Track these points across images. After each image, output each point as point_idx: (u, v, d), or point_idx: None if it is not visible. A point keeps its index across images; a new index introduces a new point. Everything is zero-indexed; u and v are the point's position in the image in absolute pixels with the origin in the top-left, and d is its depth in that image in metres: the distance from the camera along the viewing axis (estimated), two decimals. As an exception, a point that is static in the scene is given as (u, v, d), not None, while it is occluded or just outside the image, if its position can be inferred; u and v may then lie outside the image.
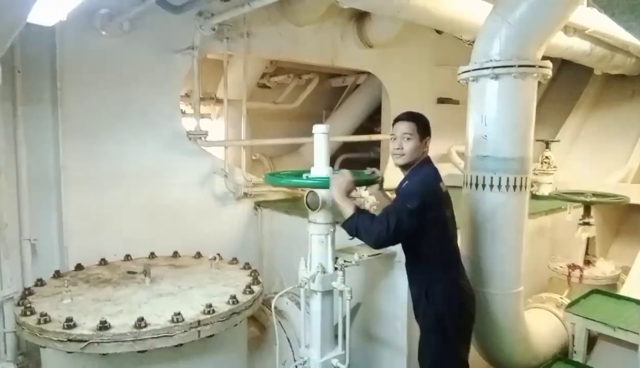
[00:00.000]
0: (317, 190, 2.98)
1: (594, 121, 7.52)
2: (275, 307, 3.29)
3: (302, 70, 7.62)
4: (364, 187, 4.41)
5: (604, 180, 6.39)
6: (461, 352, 2.99)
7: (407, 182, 2.91)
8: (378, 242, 2.81)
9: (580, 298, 4.18)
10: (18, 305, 3.00)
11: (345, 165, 7.58)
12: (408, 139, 2.89)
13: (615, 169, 6.65)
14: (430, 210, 2.74)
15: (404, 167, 2.98)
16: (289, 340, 3.73)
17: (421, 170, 2.90)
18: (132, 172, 4.36)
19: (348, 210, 2.80)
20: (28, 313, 2.82)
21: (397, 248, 3.52)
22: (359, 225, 2.76)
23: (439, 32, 6.27)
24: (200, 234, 4.62)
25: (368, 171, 3.30)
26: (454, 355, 2.96)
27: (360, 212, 2.80)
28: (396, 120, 2.99)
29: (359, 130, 7.91)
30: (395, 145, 2.93)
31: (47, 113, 3.98)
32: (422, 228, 2.77)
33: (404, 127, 2.91)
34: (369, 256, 3.39)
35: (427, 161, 2.96)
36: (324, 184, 2.98)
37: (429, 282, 2.91)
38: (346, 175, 2.88)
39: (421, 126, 2.93)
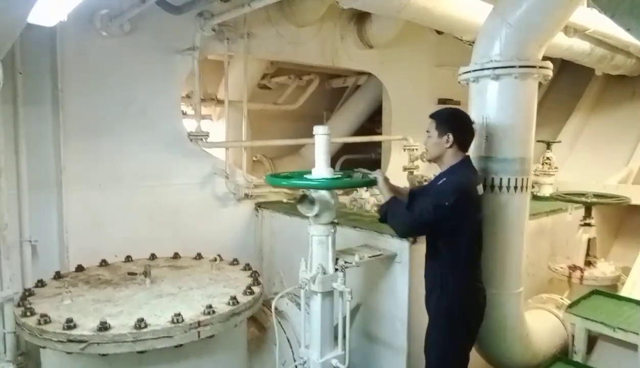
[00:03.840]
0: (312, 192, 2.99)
1: (595, 122, 7.51)
2: (276, 308, 3.30)
3: (302, 71, 7.62)
4: (365, 189, 4.42)
5: (605, 181, 6.38)
6: (466, 349, 3.12)
7: (444, 179, 2.97)
8: (403, 230, 3.08)
9: (581, 299, 4.18)
10: (18, 305, 3.00)
11: (345, 166, 7.59)
12: (428, 136, 3.05)
13: (616, 169, 6.64)
14: (461, 210, 2.83)
15: (435, 162, 3.12)
16: (289, 340, 3.73)
17: (458, 171, 2.96)
18: (133, 173, 4.36)
19: (385, 197, 3.06)
20: (28, 314, 2.81)
21: (397, 249, 3.53)
22: (389, 211, 2.98)
23: (439, 32, 6.28)
24: (200, 235, 4.61)
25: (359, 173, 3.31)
26: (460, 350, 3.08)
27: (394, 200, 2.99)
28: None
29: (359, 131, 7.91)
30: (424, 142, 3.13)
31: (47, 114, 3.98)
32: (449, 226, 2.86)
33: (428, 125, 3.07)
34: (369, 257, 3.39)
35: (464, 163, 3.01)
36: (324, 185, 2.99)
37: (446, 276, 2.98)
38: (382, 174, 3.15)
39: (440, 122, 3.01)
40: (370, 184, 3.26)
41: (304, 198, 2.99)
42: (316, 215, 3.00)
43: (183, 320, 2.76)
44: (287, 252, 4.67)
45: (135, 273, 3.55)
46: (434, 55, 6.92)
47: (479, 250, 3.09)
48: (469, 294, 3.02)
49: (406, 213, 2.91)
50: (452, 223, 2.85)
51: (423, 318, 3.15)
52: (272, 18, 5.18)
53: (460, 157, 3.00)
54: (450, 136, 2.95)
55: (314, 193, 2.99)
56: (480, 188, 3.08)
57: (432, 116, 3.07)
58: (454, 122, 3.01)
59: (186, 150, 4.66)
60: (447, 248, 2.95)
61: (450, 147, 2.97)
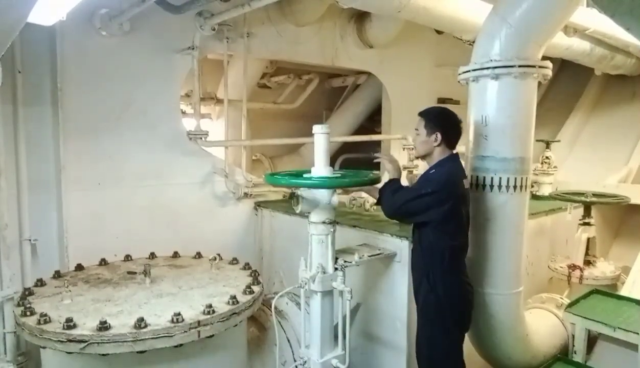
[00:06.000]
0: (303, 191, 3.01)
1: (595, 121, 7.52)
2: (275, 307, 3.30)
3: (302, 71, 7.62)
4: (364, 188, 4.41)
5: (604, 180, 6.39)
6: (459, 341, 3.15)
7: (432, 171, 3.06)
8: (389, 212, 3.11)
9: (580, 299, 4.19)
10: (18, 305, 3.00)
11: (345, 165, 7.58)
12: (417, 134, 3.12)
13: (615, 169, 6.65)
14: (446, 200, 2.89)
15: (423, 160, 3.22)
16: (288, 340, 3.73)
17: (446, 164, 3.04)
18: (133, 172, 4.36)
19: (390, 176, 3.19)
20: (28, 313, 2.81)
21: (397, 248, 3.53)
22: (384, 191, 3.10)
23: (439, 32, 6.28)
24: (200, 234, 4.62)
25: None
26: (452, 343, 3.10)
27: (392, 181, 3.14)
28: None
29: (359, 131, 7.91)
30: (412, 139, 3.25)
31: (47, 113, 3.97)
32: (433, 216, 2.90)
33: (417, 123, 3.13)
34: (369, 256, 3.39)
35: (452, 158, 3.09)
36: (323, 184, 2.99)
37: (432, 269, 3.01)
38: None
39: (429, 121, 3.06)
40: (370, 183, 3.26)
41: (292, 196, 3.02)
42: (306, 213, 3.06)
43: (183, 320, 2.75)
44: (287, 251, 4.67)
45: (135, 273, 3.54)
46: (434, 55, 6.92)
47: (465, 244, 3.13)
48: (455, 287, 3.05)
49: (393, 197, 3.00)
50: (437, 214, 2.89)
51: (423, 318, 3.14)
52: (271, 17, 5.18)
53: (448, 154, 3.07)
54: (439, 135, 3.02)
55: (303, 192, 3.01)
56: (466, 183, 3.14)
57: (421, 114, 3.12)
58: (442, 121, 3.07)
59: (186, 150, 4.65)
60: (432, 239, 2.98)
61: (439, 145, 3.04)
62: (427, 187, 2.93)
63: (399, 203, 2.98)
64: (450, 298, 3.01)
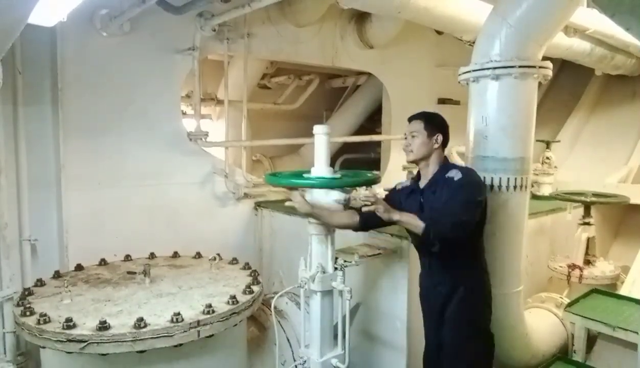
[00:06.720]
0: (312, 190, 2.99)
1: (595, 121, 7.52)
2: (275, 307, 3.30)
3: (302, 71, 7.62)
4: (364, 188, 4.42)
5: (604, 180, 6.39)
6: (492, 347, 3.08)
7: (455, 173, 2.82)
8: (457, 232, 2.69)
9: (580, 298, 4.20)
10: (18, 305, 3.00)
11: (345, 165, 7.60)
12: (414, 136, 2.96)
13: (615, 169, 6.65)
14: (484, 201, 2.86)
15: (418, 164, 3.03)
16: (288, 340, 3.73)
17: (453, 165, 2.94)
18: (133, 172, 4.36)
19: (414, 222, 2.74)
20: (28, 313, 2.82)
21: (397, 248, 3.53)
22: (431, 220, 2.71)
23: (439, 32, 6.29)
24: (200, 234, 4.62)
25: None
26: (490, 355, 3.05)
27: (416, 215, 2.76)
28: (408, 120, 3.06)
29: (359, 131, 7.90)
30: (405, 143, 3.02)
31: (47, 113, 3.98)
32: (481, 219, 2.85)
33: (412, 126, 3.00)
34: (369, 256, 3.39)
35: (447, 160, 3.01)
36: (323, 184, 2.99)
37: (468, 278, 2.92)
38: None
39: (428, 123, 2.96)
40: (370, 183, 3.26)
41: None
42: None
43: (183, 320, 2.76)
44: (287, 251, 4.68)
45: (135, 273, 3.55)
46: (434, 55, 6.91)
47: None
48: (489, 293, 3.00)
49: (449, 217, 2.69)
50: (482, 217, 2.86)
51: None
52: (272, 18, 5.18)
53: (443, 157, 3.00)
54: (440, 136, 2.93)
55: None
56: None
57: (418, 117, 2.99)
58: (441, 123, 2.99)
59: (186, 150, 4.66)
60: (466, 247, 2.86)
61: (439, 147, 2.95)
62: (475, 193, 2.75)
63: (470, 213, 2.69)
64: (486, 308, 2.98)
